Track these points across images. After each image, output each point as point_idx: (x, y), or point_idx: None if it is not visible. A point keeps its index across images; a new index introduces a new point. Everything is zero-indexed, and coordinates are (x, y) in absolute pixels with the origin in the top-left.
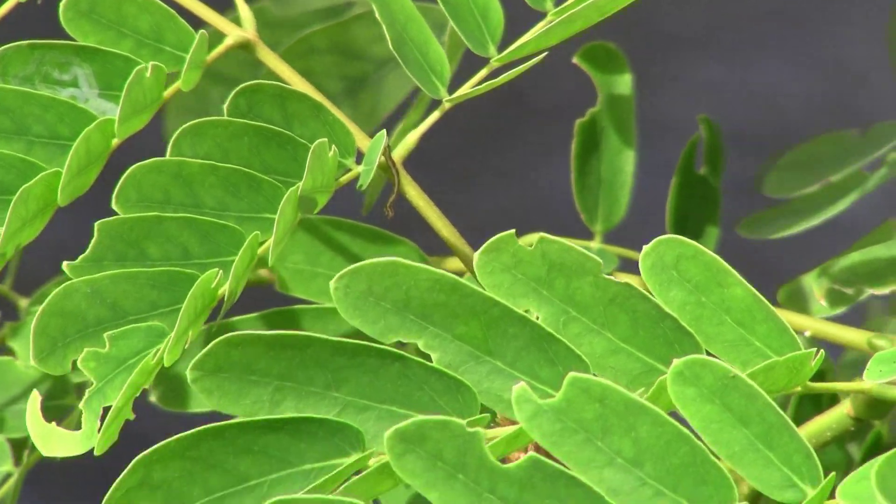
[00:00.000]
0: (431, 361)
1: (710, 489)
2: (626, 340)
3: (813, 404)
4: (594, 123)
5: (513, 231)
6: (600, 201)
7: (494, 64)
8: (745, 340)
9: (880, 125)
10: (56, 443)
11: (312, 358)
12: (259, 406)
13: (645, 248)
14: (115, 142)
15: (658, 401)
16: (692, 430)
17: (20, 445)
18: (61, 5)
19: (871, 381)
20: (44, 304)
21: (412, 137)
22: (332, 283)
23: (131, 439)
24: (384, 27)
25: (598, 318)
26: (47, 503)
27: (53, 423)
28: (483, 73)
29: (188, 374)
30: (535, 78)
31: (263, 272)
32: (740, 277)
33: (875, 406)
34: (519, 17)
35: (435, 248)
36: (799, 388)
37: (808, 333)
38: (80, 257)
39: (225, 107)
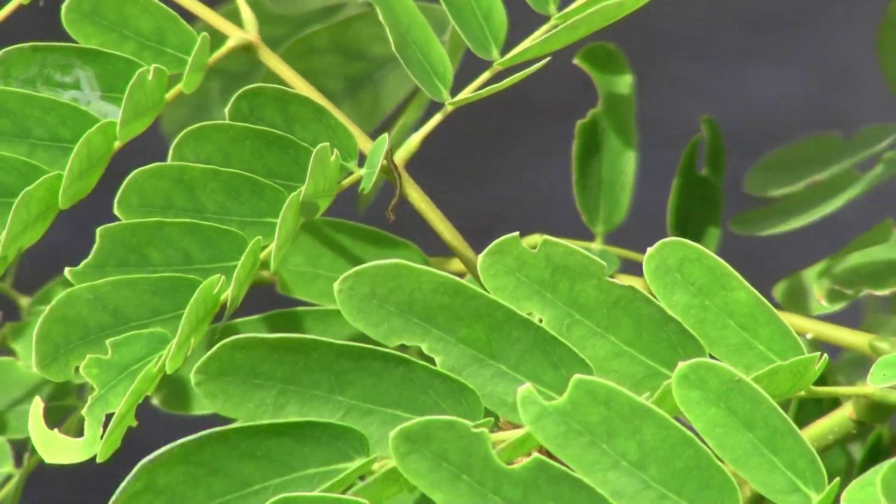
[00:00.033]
0: (435, 364)
1: (713, 493)
2: (630, 344)
3: (815, 406)
4: (595, 124)
5: (516, 234)
6: (601, 202)
7: (497, 67)
8: (748, 344)
9: (866, 129)
10: (59, 450)
11: (316, 361)
12: (263, 409)
13: (649, 250)
14: (116, 144)
15: (664, 404)
16: (696, 434)
17: (21, 447)
18: (63, 7)
19: (874, 385)
20: (46, 311)
21: (414, 140)
22: (335, 286)
23: (133, 443)
24: (387, 30)
25: (601, 322)
26: None
27: (56, 430)
28: (486, 76)
29: (192, 378)
30: (536, 78)
31: (264, 273)
32: (744, 281)
33: (878, 409)
34: (522, 19)
35: (435, 249)
36: (802, 392)
37: (809, 335)
38: (83, 263)
39: (227, 110)
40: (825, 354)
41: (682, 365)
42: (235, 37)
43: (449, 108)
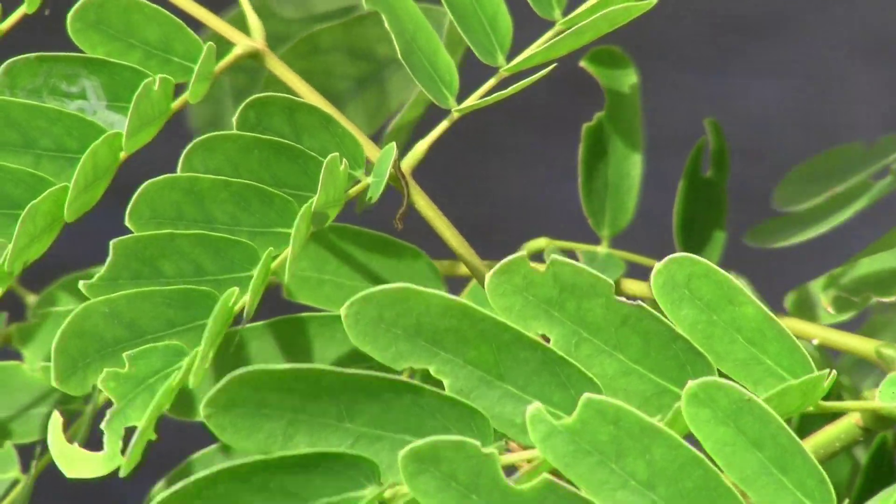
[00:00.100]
0: (442, 387)
1: None
2: (638, 362)
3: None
4: (601, 128)
5: (524, 253)
6: (607, 206)
7: (503, 73)
8: (756, 359)
9: (886, 138)
10: (79, 464)
11: (324, 390)
12: (272, 440)
13: (656, 266)
14: (122, 155)
15: (675, 425)
16: (705, 453)
17: (28, 452)
18: (69, 16)
19: (884, 402)
20: (63, 325)
21: (421, 147)
22: (342, 311)
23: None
24: (393, 36)
25: (609, 340)
26: None
27: (76, 444)
28: (492, 82)
29: (201, 411)
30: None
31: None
32: (751, 296)
33: (885, 419)
34: (526, 23)
35: (440, 251)
36: (811, 408)
37: (815, 342)
38: (97, 276)
39: (234, 120)
40: (833, 371)
41: (691, 384)
42: (242, 44)
43: (455, 116)
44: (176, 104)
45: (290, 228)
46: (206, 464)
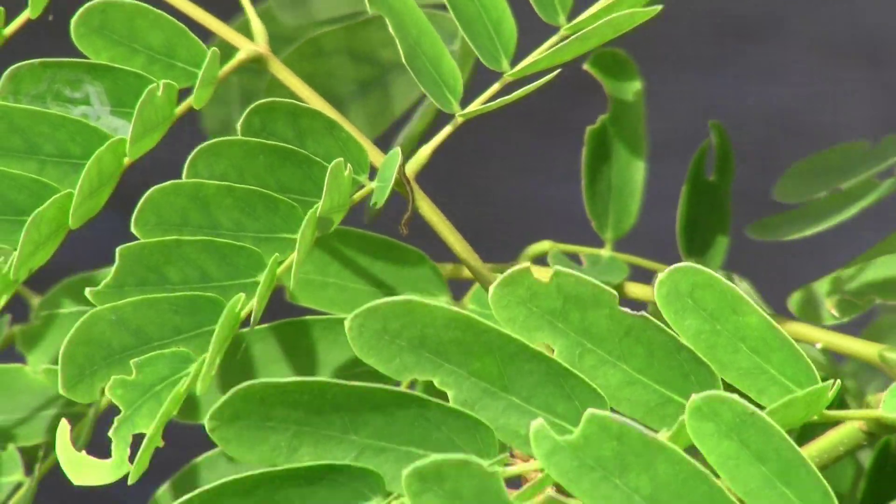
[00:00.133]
0: (446, 398)
1: None
2: (642, 372)
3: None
4: (604, 130)
5: (528, 264)
6: (611, 209)
7: (508, 78)
8: (760, 368)
9: (889, 137)
10: (87, 472)
11: (329, 403)
12: (277, 453)
13: (660, 276)
14: (126, 161)
15: (678, 438)
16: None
17: (32, 454)
18: (73, 22)
19: (888, 412)
20: (70, 333)
21: (425, 152)
22: (346, 323)
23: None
24: (397, 40)
25: (613, 350)
26: None
27: (83, 452)
28: (496, 87)
29: (206, 424)
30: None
31: None
32: (755, 305)
33: (889, 425)
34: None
35: (441, 253)
36: (815, 417)
37: (819, 345)
38: (103, 283)
39: (238, 125)
40: (838, 381)
41: (695, 397)
42: (246, 49)
43: (459, 120)
44: (179, 109)
45: (295, 234)
46: (209, 467)
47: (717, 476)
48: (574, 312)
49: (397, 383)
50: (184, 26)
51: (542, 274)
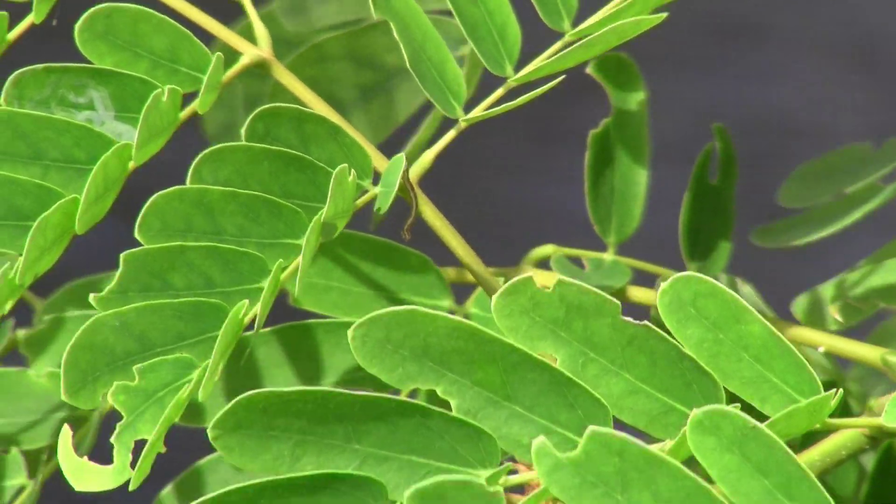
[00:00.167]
0: (449, 407)
1: None
2: (645, 381)
3: None
4: (607, 134)
5: (530, 274)
6: (613, 212)
7: (511, 84)
8: (762, 377)
9: (894, 140)
10: (88, 477)
11: (332, 412)
12: (280, 461)
13: (662, 286)
14: (131, 165)
15: (679, 450)
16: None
17: (35, 458)
18: (77, 27)
19: (889, 423)
20: (73, 339)
21: (428, 157)
22: (349, 332)
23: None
24: (401, 45)
25: (616, 360)
26: None
27: (85, 458)
28: (499, 92)
29: (209, 433)
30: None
31: None
32: (757, 314)
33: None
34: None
35: (444, 256)
36: (818, 426)
37: (821, 349)
38: (107, 289)
39: (242, 131)
40: (840, 390)
41: (696, 412)
42: (249, 53)
43: (463, 125)
44: (184, 114)
45: (299, 240)
46: (213, 469)
47: (720, 490)
48: (577, 322)
49: (399, 391)
50: (187, 31)
51: (545, 278)
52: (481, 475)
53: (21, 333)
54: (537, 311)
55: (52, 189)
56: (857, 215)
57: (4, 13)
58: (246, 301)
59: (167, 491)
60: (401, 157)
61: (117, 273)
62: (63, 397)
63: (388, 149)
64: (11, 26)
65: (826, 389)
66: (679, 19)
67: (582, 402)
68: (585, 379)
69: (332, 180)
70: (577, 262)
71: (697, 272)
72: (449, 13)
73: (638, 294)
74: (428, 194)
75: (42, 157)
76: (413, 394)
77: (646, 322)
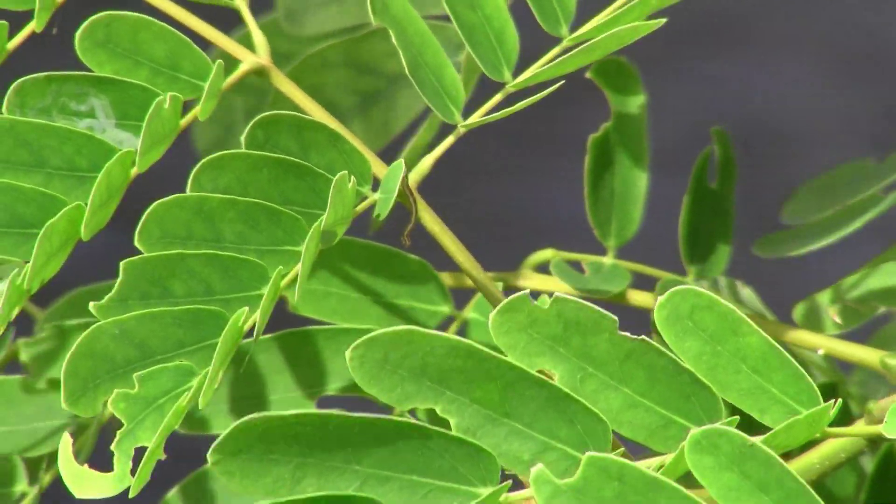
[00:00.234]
0: (448, 426)
1: None
2: (643, 394)
3: None
4: (607, 138)
5: (527, 291)
6: (613, 216)
7: (510, 89)
8: (761, 388)
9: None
10: (89, 484)
11: (332, 434)
12: (280, 484)
13: (659, 299)
14: (133, 172)
15: (677, 467)
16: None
17: (35, 465)
18: (77, 35)
19: (889, 434)
20: (74, 347)
21: (427, 162)
22: (347, 354)
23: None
24: (400, 51)
25: (614, 374)
26: None
27: (86, 465)
28: (498, 98)
29: (209, 458)
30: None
31: None
32: (755, 326)
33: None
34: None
35: (443, 261)
36: (817, 435)
37: (821, 352)
38: (107, 297)
39: (242, 138)
40: (840, 399)
41: (694, 431)
42: (248, 61)
43: (461, 131)
44: (184, 121)
45: (299, 246)
46: (215, 476)
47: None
48: (574, 338)
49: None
50: (187, 39)
51: (545, 283)
52: (482, 493)
53: (22, 342)
54: (535, 328)
55: (55, 197)
56: (857, 224)
57: (4, 22)
58: (246, 308)
59: (174, 492)
60: (400, 163)
61: (117, 281)
62: (63, 405)
63: (389, 154)
64: (11, 35)
65: (826, 392)
66: (681, 19)
67: (581, 417)
68: (584, 394)
69: (331, 187)
70: (576, 265)
71: (697, 275)
72: (447, 18)
73: (638, 297)
74: (427, 199)
75: (44, 164)
76: (413, 413)
77: (643, 336)
